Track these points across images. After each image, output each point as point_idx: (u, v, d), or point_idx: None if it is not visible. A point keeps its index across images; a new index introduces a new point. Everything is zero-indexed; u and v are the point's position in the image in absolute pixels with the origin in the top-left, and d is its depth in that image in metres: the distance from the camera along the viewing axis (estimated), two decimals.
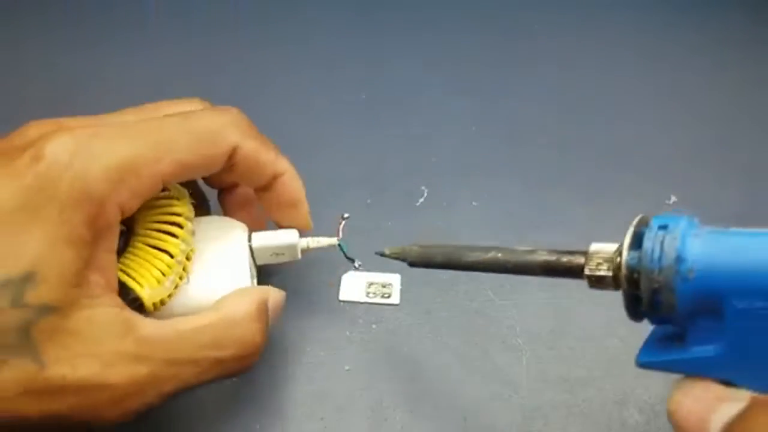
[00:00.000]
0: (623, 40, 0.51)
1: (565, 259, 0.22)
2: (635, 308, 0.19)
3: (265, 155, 0.27)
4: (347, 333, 0.31)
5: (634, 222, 0.20)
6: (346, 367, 0.30)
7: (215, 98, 0.29)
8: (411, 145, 0.41)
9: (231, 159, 0.26)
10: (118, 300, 0.23)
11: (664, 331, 0.20)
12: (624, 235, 0.20)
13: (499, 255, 0.23)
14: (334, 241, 0.31)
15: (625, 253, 0.19)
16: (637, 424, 0.28)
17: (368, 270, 0.33)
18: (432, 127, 0.43)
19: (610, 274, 0.20)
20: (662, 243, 0.18)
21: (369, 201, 0.37)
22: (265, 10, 0.53)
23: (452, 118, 0.43)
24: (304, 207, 0.30)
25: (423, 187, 0.38)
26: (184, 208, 0.26)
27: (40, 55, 0.47)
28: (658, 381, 0.28)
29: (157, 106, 0.27)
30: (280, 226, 0.30)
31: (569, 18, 0.53)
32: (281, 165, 0.28)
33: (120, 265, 0.25)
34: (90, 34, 0.49)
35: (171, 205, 0.26)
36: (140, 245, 0.26)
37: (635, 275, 0.19)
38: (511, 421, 0.28)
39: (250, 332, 0.25)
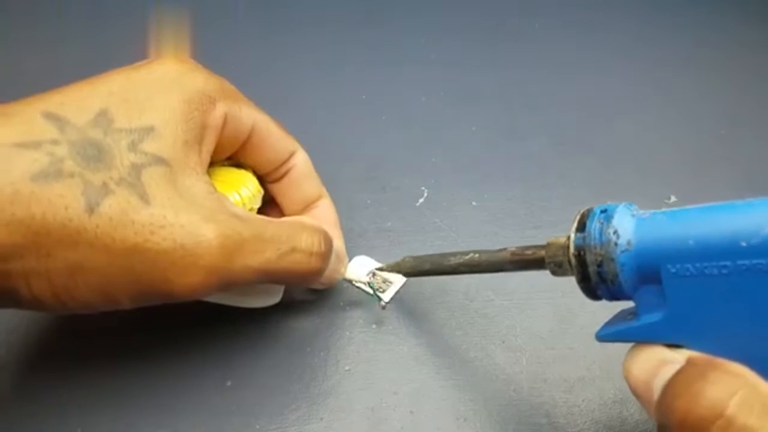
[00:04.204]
0: (623, 41, 0.51)
1: (529, 251, 0.24)
2: (587, 284, 0.21)
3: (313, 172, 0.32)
4: (347, 333, 0.31)
5: (581, 212, 0.22)
6: (346, 367, 0.30)
7: None
8: (411, 145, 0.41)
9: (290, 160, 0.31)
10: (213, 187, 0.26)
11: (623, 313, 0.22)
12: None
13: (476, 256, 0.26)
14: (365, 279, 0.32)
15: (572, 236, 0.21)
16: (637, 424, 0.28)
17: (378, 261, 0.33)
18: (432, 127, 0.43)
19: (566, 258, 0.22)
20: (602, 223, 0.21)
21: (369, 201, 0.37)
22: (265, 9, 0.53)
23: (452, 118, 0.43)
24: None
25: (423, 187, 0.38)
26: (253, 178, 0.30)
27: (34, 50, 0.47)
28: None
29: None
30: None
31: (569, 18, 0.53)
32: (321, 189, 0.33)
33: None
34: (87, 31, 0.49)
35: (244, 173, 0.30)
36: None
37: (582, 253, 0.21)
38: (511, 421, 0.28)
39: (317, 236, 0.28)
